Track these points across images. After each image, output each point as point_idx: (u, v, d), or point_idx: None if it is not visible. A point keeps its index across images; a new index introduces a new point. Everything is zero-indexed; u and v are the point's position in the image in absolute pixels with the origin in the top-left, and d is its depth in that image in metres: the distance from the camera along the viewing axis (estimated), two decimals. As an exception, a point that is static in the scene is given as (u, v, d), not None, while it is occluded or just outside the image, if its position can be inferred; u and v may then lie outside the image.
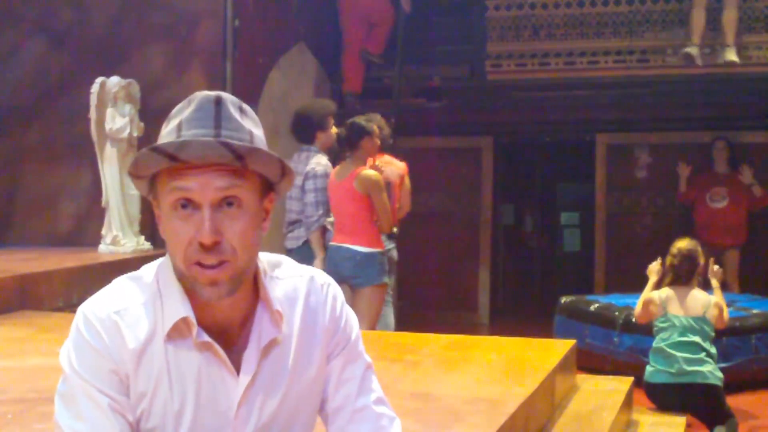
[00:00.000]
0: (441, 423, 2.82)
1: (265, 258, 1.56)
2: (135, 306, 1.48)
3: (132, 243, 6.10)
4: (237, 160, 1.41)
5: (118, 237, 6.08)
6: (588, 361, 6.35)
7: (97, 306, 1.48)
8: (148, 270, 1.54)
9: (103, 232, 6.14)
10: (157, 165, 1.43)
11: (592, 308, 6.88)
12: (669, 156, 8.82)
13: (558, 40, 8.55)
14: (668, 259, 5.19)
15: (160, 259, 1.54)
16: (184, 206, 1.42)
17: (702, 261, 5.16)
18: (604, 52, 8.43)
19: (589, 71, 8.47)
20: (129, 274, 1.54)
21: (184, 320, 1.46)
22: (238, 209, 1.43)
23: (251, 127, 1.47)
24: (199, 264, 1.42)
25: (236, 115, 1.46)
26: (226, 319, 1.50)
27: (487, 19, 8.67)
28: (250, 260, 1.47)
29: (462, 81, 8.99)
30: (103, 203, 6.15)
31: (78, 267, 5.34)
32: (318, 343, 1.58)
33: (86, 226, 6.60)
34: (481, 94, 8.87)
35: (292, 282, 1.58)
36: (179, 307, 1.46)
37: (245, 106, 1.50)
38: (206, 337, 1.47)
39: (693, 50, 7.96)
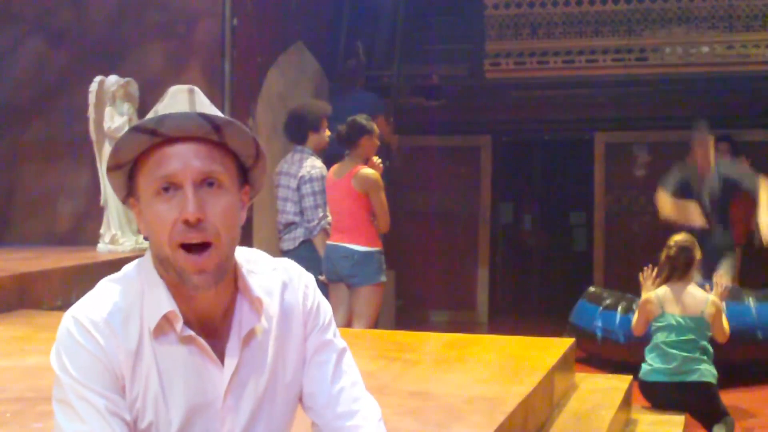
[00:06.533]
0: (440, 422, 2.82)
1: (239, 252, 1.58)
2: (124, 307, 1.49)
3: (130, 242, 6.09)
4: (214, 131, 1.45)
5: (117, 236, 6.07)
6: (603, 350, 6.33)
7: (87, 309, 1.49)
8: (130, 269, 1.56)
9: (102, 231, 6.13)
10: (138, 145, 1.45)
11: (613, 297, 6.79)
12: (668, 154, 8.81)
13: (557, 39, 8.56)
14: (664, 253, 5.15)
15: (139, 259, 1.56)
16: (166, 189, 1.45)
17: (698, 256, 5.16)
18: (602, 50, 8.43)
19: (588, 70, 8.48)
20: (111, 276, 1.56)
21: (169, 315, 1.48)
22: (219, 189, 1.46)
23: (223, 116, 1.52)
24: (185, 247, 1.43)
25: (207, 103, 1.51)
26: (209, 311, 1.52)
27: (485, 17, 8.67)
28: (233, 244, 1.50)
29: (461, 80, 8.99)
30: (102, 202, 6.14)
31: (76, 266, 5.33)
32: (297, 333, 1.61)
33: (85, 225, 6.59)
34: (480, 92, 8.88)
35: (267, 276, 1.61)
36: (164, 303, 1.48)
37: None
38: (190, 331, 1.49)
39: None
